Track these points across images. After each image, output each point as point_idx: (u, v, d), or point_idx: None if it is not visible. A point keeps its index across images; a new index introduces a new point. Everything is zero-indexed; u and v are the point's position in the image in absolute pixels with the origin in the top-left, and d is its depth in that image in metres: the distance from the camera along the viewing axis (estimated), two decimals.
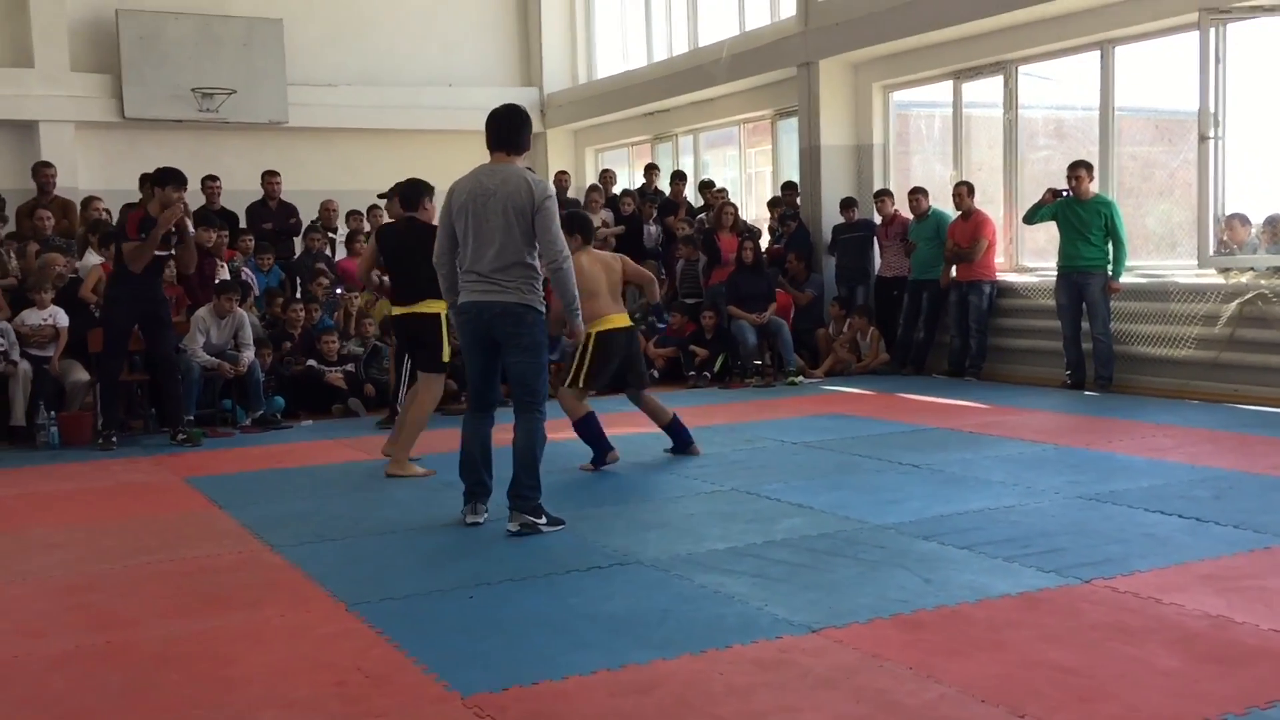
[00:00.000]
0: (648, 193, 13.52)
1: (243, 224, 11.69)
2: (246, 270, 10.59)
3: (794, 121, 12.95)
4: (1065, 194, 9.56)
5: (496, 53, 17.26)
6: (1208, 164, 8.96)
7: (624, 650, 3.66)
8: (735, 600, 4.16)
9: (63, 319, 8.82)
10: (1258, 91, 9.09)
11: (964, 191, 10.63)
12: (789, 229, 12.23)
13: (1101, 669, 3.41)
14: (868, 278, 11.90)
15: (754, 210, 14.35)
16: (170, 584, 4.69)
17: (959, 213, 10.70)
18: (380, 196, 8.57)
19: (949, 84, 11.60)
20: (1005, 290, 10.71)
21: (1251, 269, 8.83)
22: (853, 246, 11.88)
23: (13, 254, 9.58)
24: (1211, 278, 9.06)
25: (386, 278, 7.68)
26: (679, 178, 13.52)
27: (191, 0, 14.89)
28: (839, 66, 12.21)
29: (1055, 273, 9.76)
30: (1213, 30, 8.82)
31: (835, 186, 12.29)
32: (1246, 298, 8.68)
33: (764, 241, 12.36)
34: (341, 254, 11.94)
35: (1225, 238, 9.04)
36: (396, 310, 7.16)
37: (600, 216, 12.89)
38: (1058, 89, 11.09)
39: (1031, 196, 10.28)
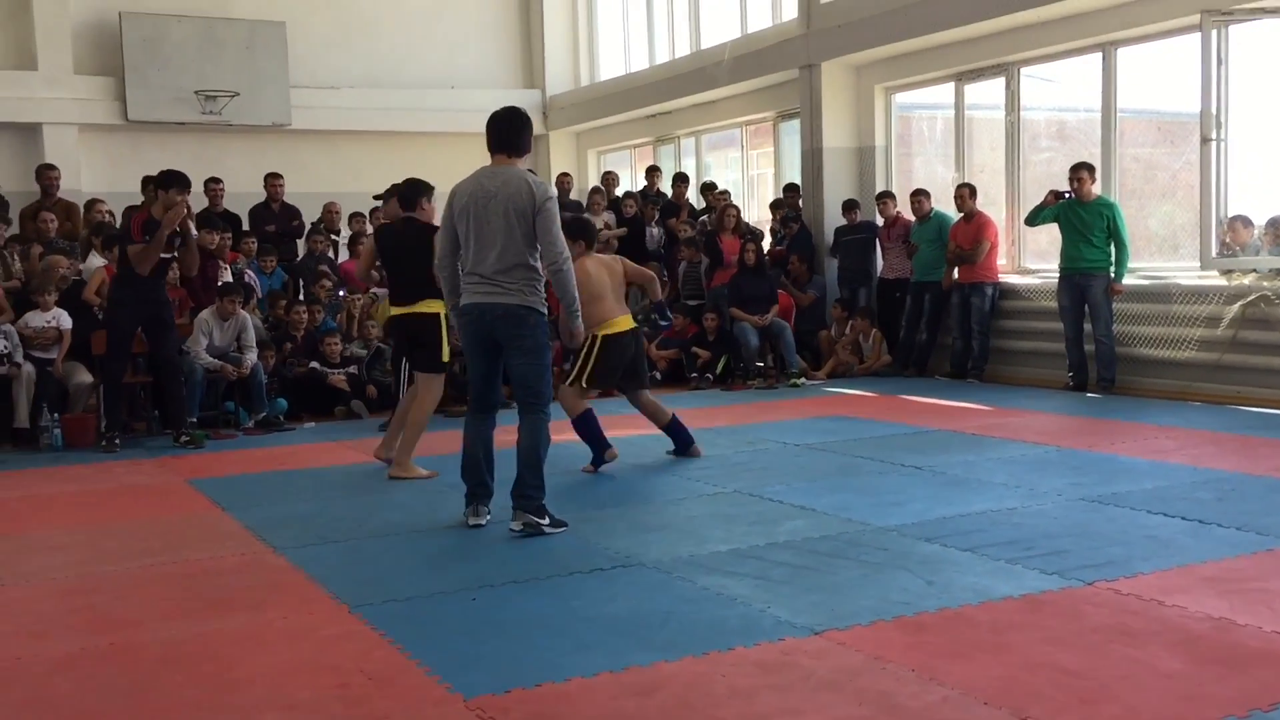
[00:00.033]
0: (650, 195, 13.52)
1: (245, 226, 11.70)
2: (249, 272, 10.60)
3: (796, 123, 12.95)
4: (1067, 196, 9.56)
5: (499, 55, 17.28)
6: (1210, 166, 8.96)
7: (626, 652, 3.66)
8: (738, 602, 4.16)
9: (66, 321, 8.82)
10: (1260, 93, 9.09)
11: (966, 193, 10.63)
12: (791, 231, 12.23)
13: (1104, 671, 3.41)
14: (870, 280, 11.90)
15: (756, 212, 14.36)
16: (173, 586, 4.70)
17: (961, 215, 10.70)
18: (376, 198, 8.55)
19: (951, 86, 11.61)
20: (1007, 292, 10.71)
21: (1254, 271, 8.82)
22: (855, 248, 11.88)
23: (16, 256, 9.59)
24: (1214, 279, 9.05)
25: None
26: (681, 180, 13.52)
27: (194, 3, 14.92)
28: (841, 68, 12.21)
29: (1057, 274, 9.76)
30: (1215, 32, 8.81)
31: (837, 188, 12.30)
32: (1249, 299, 8.68)
33: (766, 243, 12.36)
34: (344, 256, 11.94)
35: (1228, 239, 9.03)
36: (395, 310, 7.14)
37: (602, 219, 12.90)
38: (1060, 91, 11.09)
39: (1033, 198, 10.28)
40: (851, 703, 3.22)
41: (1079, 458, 6.78)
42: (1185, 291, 9.16)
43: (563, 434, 6.57)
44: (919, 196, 11.14)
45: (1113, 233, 9.39)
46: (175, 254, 8.38)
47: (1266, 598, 4.04)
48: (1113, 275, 9.43)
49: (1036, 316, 10.33)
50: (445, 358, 6.97)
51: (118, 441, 8.29)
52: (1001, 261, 10.87)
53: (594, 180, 15.71)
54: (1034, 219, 9.96)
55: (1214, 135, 8.89)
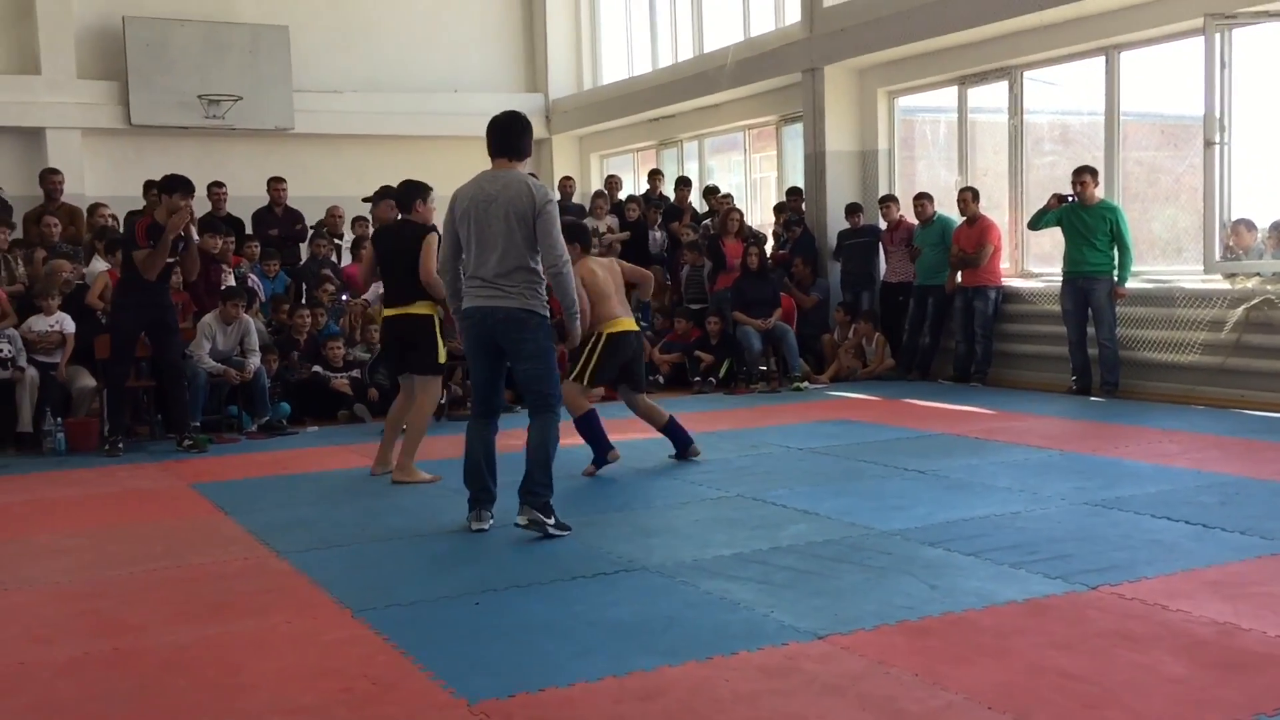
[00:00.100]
0: (653, 198, 13.53)
1: (249, 230, 11.71)
2: (252, 276, 10.61)
3: (799, 127, 12.96)
4: (1070, 199, 9.56)
5: (502, 59, 17.30)
6: (1213, 169, 8.95)
7: (630, 657, 3.66)
8: (741, 607, 4.16)
9: (69, 325, 8.84)
10: (1263, 97, 9.08)
11: (969, 197, 10.63)
12: (794, 234, 12.23)
13: (1108, 676, 3.40)
14: (873, 283, 11.90)
15: (759, 216, 14.36)
16: (177, 590, 4.70)
17: (964, 218, 10.70)
18: (365, 200, 8.44)
19: (954, 89, 11.61)
20: (1010, 296, 10.70)
21: (1258, 274, 8.81)
22: (858, 252, 11.88)
23: (20, 260, 9.60)
24: (1217, 283, 9.05)
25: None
26: (684, 183, 13.52)
27: (198, 7, 14.95)
28: (844, 72, 12.22)
29: (1060, 278, 9.76)
30: (1218, 35, 8.81)
31: (840, 192, 12.30)
32: (1253, 303, 8.67)
33: (769, 247, 12.37)
34: (347, 260, 11.96)
35: (1231, 243, 9.03)
36: (388, 311, 7.00)
37: (606, 222, 12.92)
38: (1063, 94, 11.09)
39: (1036, 202, 10.27)
40: (855, 707, 3.22)
41: (1082, 462, 6.78)
42: (1189, 295, 9.15)
43: (565, 439, 6.55)
44: (922, 200, 11.14)
45: (1116, 236, 9.38)
46: (178, 258, 8.38)
47: (1271, 602, 4.03)
48: (1116, 279, 9.42)
49: (1040, 320, 10.32)
50: (441, 359, 6.95)
51: (121, 446, 8.29)
52: (1004, 265, 10.87)
53: (597, 184, 15.71)
54: (1037, 223, 9.95)
55: (1217, 139, 8.89)
